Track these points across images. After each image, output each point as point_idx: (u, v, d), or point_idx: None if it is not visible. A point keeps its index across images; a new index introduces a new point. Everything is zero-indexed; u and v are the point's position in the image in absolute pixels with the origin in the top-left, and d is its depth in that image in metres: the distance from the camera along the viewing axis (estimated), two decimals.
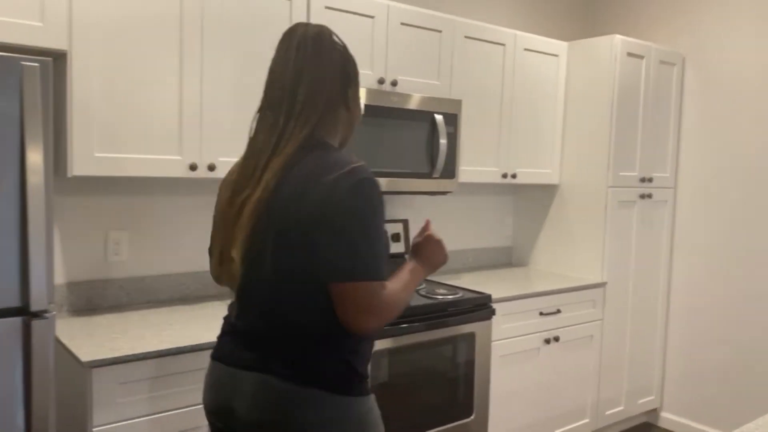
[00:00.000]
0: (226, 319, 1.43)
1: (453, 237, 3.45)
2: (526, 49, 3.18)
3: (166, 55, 2.07)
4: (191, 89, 2.13)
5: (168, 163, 2.12)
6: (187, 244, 2.51)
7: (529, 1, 3.68)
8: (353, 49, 2.58)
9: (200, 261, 2.54)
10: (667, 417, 3.67)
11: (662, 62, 3.45)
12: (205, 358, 1.89)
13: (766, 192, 3.25)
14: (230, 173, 1.41)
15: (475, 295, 2.68)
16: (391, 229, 3.03)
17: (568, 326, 3.10)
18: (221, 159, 2.22)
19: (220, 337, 1.42)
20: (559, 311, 3.03)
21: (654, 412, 3.71)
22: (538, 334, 2.95)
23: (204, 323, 2.12)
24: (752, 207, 3.31)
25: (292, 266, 1.27)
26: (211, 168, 2.19)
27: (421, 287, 2.79)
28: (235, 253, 1.30)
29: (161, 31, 2.06)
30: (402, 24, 2.69)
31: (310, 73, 1.32)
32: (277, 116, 1.32)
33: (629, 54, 3.25)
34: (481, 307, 2.66)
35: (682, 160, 3.61)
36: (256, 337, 1.33)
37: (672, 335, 3.65)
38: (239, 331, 1.36)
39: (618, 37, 3.20)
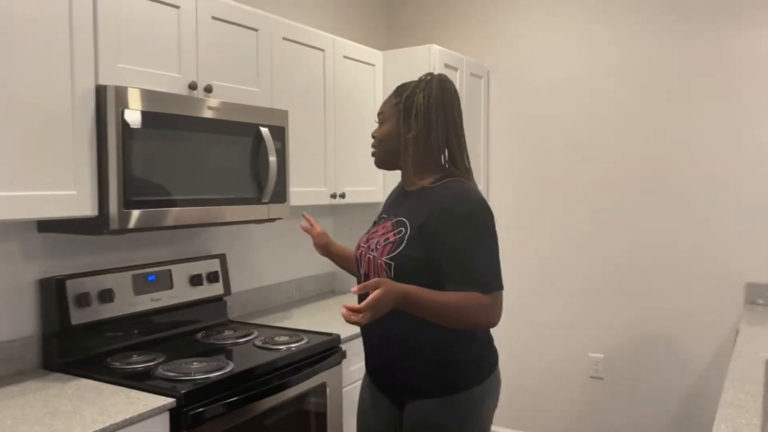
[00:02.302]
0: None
1: (275, 268, 3.00)
2: (345, 57, 2.89)
3: None
4: None
5: None
6: None
7: (341, 5, 3.41)
8: (155, 46, 2.04)
9: None
10: (497, 431, 3.65)
11: (472, 74, 3.43)
12: None
13: (566, 196, 3.40)
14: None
15: (323, 338, 2.28)
16: (205, 267, 2.49)
17: None
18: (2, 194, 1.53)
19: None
20: None
21: None
22: None
23: None
24: (553, 213, 3.44)
25: None
26: None
27: (255, 336, 2.32)
28: None
29: None
30: (213, 18, 2.20)
31: None
32: None
33: (446, 65, 3.16)
34: (331, 351, 2.28)
35: (492, 169, 3.64)
36: None
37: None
38: None
39: (435, 47, 3.08)
